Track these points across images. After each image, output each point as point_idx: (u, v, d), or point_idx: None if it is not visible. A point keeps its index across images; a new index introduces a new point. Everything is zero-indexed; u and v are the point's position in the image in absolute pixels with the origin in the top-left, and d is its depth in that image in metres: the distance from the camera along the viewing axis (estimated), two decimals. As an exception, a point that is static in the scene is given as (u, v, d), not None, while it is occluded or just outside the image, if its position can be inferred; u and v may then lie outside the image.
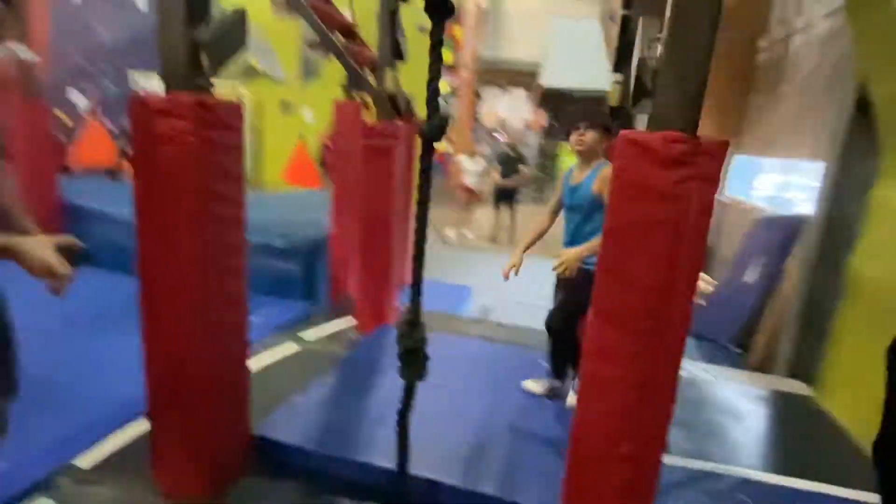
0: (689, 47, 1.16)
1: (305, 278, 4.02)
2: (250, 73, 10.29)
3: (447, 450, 1.96)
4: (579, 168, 2.25)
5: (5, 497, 1.69)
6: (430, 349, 1.34)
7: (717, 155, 1.18)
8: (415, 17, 2.65)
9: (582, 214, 2.20)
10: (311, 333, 3.27)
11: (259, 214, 4.58)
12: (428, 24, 1.12)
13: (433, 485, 1.79)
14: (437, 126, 1.21)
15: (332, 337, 3.26)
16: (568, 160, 17.22)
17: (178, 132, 1.45)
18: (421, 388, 1.40)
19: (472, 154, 8.30)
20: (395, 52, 2.92)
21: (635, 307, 1.25)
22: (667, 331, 1.26)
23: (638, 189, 1.20)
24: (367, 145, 3.01)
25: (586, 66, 9.93)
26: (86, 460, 1.93)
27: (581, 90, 9.69)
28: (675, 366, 1.32)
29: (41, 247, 1.05)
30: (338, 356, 2.90)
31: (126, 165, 9.15)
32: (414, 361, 1.36)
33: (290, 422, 2.11)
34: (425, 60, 1.15)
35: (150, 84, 9.76)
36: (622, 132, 1.21)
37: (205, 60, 1.50)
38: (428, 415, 1.66)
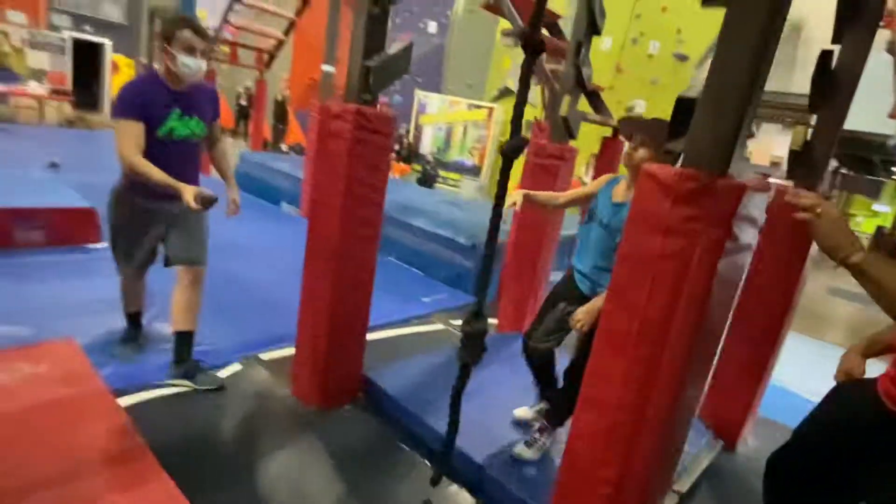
0: (725, 84, 1.16)
1: (477, 275, 4.49)
2: (507, 94, 11.40)
3: (494, 439, 2.15)
4: (628, 185, 1.91)
5: (214, 362, 2.54)
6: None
7: (729, 197, 1.14)
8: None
9: (616, 237, 1.82)
10: (459, 321, 3.70)
11: (456, 214, 5.30)
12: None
13: (473, 465, 2.02)
14: (515, 145, 1.45)
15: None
16: (867, 222, 13.87)
17: (341, 131, 2.02)
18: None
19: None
20: (578, 82, 3.10)
21: (634, 333, 1.28)
22: (663, 361, 1.25)
23: (649, 221, 1.24)
24: (535, 163, 3.27)
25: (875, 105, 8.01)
26: (266, 356, 2.73)
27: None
28: (670, 399, 1.29)
29: (193, 189, 1.89)
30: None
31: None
32: (472, 346, 1.63)
33: (393, 375, 2.56)
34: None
35: (430, 100, 11.72)
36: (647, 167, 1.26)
37: (372, 82, 2.03)
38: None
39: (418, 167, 11.41)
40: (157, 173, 1.98)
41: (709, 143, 1.18)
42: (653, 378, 1.27)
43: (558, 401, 2.14)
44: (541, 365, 2.21)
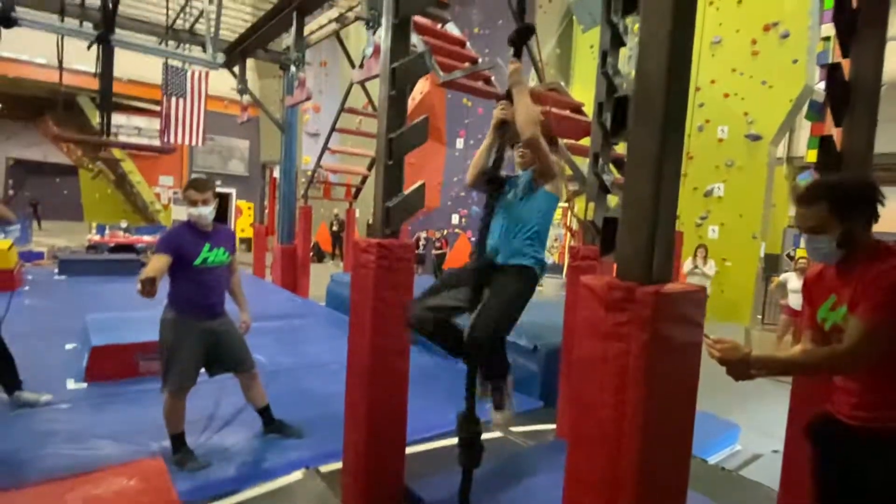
0: (638, 202, 1.33)
1: (543, 378, 4.47)
2: (578, 194, 11.69)
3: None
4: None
5: (278, 474, 2.80)
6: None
7: (651, 304, 1.25)
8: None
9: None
10: (519, 427, 3.68)
11: (523, 315, 5.38)
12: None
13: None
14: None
15: (531, 435, 3.58)
16: None
17: (368, 262, 2.37)
18: None
19: (801, 270, 7.02)
20: (602, 188, 3.30)
21: (592, 434, 1.35)
22: (623, 459, 1.30)
23: (589, 327, 1.37)
24: (573, 266, 3.40)
25: None
26: (325, 468, 2.95)
27: None
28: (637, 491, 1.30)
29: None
30: (519, 452, 3.24)
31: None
32: (469, 451, 1.76)
33: (437, 488, 2.63)
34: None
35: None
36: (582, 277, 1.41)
37: (391, 218, 2.41)
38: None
39: (500, 271, 11.73)
40: (149, 272, 2.51)
41: (629, 256, 1.33)
42: (617, 477, 1.31)
43: (489, 363, 2.25)
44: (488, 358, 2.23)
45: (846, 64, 2.32)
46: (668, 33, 1.25)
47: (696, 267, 7.37)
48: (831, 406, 1.59)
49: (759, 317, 9.57)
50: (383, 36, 2.41)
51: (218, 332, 2.89)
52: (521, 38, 1.80)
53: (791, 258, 10.94)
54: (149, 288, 2.43)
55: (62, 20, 4.91)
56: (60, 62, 5.54)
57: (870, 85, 2.26)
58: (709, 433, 4.27)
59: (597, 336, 1.34)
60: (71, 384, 3.95)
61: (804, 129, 12.84)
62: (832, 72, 2.23)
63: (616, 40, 3.19)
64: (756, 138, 8.83)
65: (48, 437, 3.08)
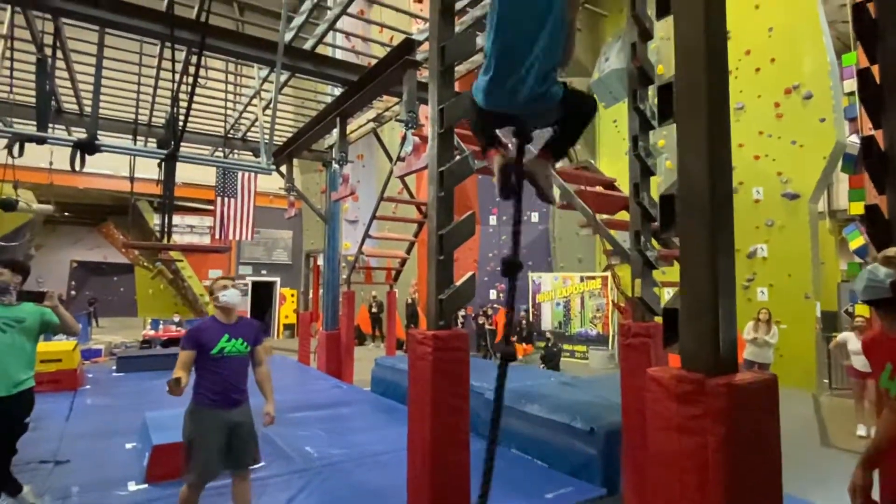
0: (697, 295, 1.38)
1: (603, 462, 4.26)
2: (618, 261, 11.65)
3: None
4: None
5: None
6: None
7: (725, 396, 1.26)
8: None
9: None
10: (584, 519, 3.50)
11: (577, 396, 5.24)
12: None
13: None
14: (511, 261, 1.65)
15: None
16: None
17: (425, 353, 2.44)
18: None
19: (859, 329, 6.65)
20: (647, 264, 3.34)
21: (678, 535, 1.32)
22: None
23: (659, 420, 1.37)
24: (625, 344, 3.37)
25: None
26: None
27: None
28: None
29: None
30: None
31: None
32: None
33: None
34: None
35: (542, 279, 12.36)
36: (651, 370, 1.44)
37: (444, 310, 2.50)
38: None
39: (541, 343, 11.53)
40: (176, 373, 2.68)
41: (693, 347, 1.36)
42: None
43: None
44: None
45: (879, 135, 2.38)
46: (707, 149, 1.36)
47: (755, 338, 7.05)
48: None
49: (826, 381, 8.96)
50: (430, 143, 2.63)
51: (235, 422, 2.92)
52: (510, 271, 1.75)
53: (850, 314, 10.37)
54: (174, 387, 2.58)
55: (135, 142, 5.50)
56: (132, 178, 6.15)
57: (907, 152, 2.30)
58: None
59: (669, 429, 1.35)
60: (132, 486, 4.00)
61: (842, 181, 12.64)
62: (867, 144, 2.29)
63: (645, 125, 3.36)
64: (794, 197, 8.74)
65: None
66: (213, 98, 7.12)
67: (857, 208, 8.02)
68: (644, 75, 3.38)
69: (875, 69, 2.41)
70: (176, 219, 14.70)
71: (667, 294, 6.20)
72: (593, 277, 11.50)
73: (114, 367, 9.26)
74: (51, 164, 6.98)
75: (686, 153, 1.42)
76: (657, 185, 9.49)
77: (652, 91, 3.54)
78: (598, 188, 5.21)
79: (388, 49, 4.69)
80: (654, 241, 3.47)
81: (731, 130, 1.43)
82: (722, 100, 1.39)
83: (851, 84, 8.45)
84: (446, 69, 2.71)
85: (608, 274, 11.24)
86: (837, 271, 12.38)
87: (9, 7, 4.51)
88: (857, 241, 7.99)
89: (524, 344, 11.52)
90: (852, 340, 6.52)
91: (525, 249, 12.93)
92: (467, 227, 2.58)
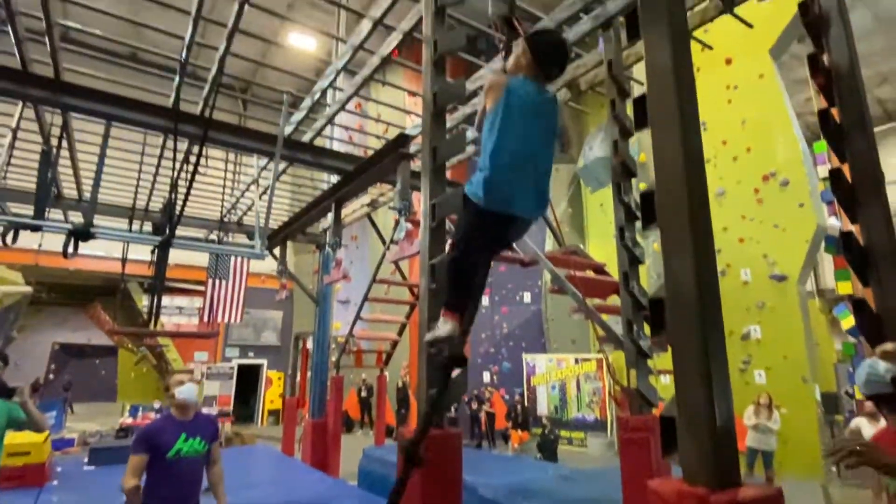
0: (692, 405, 1.34)
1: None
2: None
3: None
4: None
5: None
6: None
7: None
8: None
9: None
10: None
11: (573, 493, 4.96)
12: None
13: None
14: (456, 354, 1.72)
15: None
16: None
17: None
18: None
19: (872, 414, 6.48)
20: (641, 353, 3.30)
21: None
22: None
23: (667, 540, 1.29)
24: (626, 438, 3.25)
25: None
26: None
27: None
28: None
29: None
30: None
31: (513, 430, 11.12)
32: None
33: None
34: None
35: (536, 361, 12.13)
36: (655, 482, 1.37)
37: (434, 410, 2.42)
38: None
39: (538, 430, 11.09)
40: (127, 479, 2.55)
41: (693, 460, 1.30)
42: None
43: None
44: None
45: (857, 229, 2.46)
46: (691, 259, 1.39)
47: (757, 424, 6.85)
48: None
49: (833, 469, 8.60)
50: (421, 237, 2.67)
51: None
52: (455, 364, 1.96)
53: (851, 396, 10.15)
54: (133, 498, 2.45)
55: (130, 227, 5.56)
56: (124, 260, 6.15)
57: (885, 244, 2.37)
58: None
59: (677, 551, 1.26)
60: None
61: (827, 260, 12.90)
62: (846, 239, 2.36)
63: (630, 215, 3.46)
64: (781, 278, 8.87)
65: None
66: (212, 185, 7.31)
67: (845, 287, 8.16)
68: (626, 169, 3.54)
69: (846, 168, 2.54)
70: (165, 300, 14.54)
71: (663, 380, 6.07)
72: (588, 359, 11.31)
73: (86, 460, 8.70)
74: (40, 245, 6.97)
75: (671, 258, 1.45)
76: (647, 269, 9.62)
77: (635, 180, 3.71)
78: (589, 272, 5.26)
79: (384, 140, 4.91)
80: (646, 329, 3.45)
81: (714, 215, 1.48)
82: (702, 208, 1.45)
83: (825, 170, 8.88)
84: (438, 167, 2.82)
85: (601, 356, 11.08)
86: (832, 351, 12.29)
87: (20, 102, 4.73)
88: (849, 320, 8.00)
89: (520, 431, 11.07)
90: (865, 426, 6.33)
91: (518, 330, 12.80)
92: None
